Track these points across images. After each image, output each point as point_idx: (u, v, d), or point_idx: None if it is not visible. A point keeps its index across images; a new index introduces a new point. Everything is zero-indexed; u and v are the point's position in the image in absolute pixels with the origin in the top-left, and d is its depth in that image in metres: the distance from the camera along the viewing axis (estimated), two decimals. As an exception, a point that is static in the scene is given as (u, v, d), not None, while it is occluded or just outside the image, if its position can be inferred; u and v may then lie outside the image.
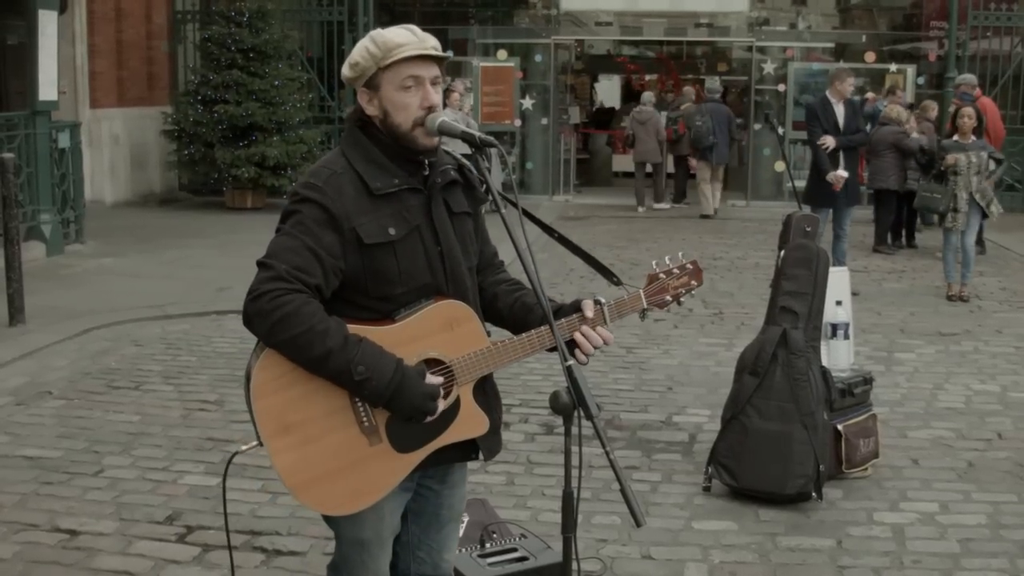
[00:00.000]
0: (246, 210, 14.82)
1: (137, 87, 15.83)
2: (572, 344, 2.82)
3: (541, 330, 2.78)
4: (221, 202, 15.31)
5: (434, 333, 2.73)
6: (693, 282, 2.99)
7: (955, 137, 10.16)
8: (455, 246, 2.82)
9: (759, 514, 4.98)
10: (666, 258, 3.00)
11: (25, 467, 5.46)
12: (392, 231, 2.71)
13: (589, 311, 2.83)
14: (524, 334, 2.80)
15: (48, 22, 11.03)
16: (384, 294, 2.73)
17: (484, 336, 2.80)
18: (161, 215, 14.61)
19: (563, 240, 3.06)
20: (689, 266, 2.99)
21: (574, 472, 2.61)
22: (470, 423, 2.81)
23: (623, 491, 2.48)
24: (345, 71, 2.80)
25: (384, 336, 2.67)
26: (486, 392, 2.87)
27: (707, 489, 5.24)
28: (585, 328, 2.83)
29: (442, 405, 2.72)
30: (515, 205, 2.65)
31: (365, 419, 2.68)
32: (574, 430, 2.61)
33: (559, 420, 2.63)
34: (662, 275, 2.97)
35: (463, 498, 3.07)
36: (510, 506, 5.00)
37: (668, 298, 2.96)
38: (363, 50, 2.74)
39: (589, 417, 2.53)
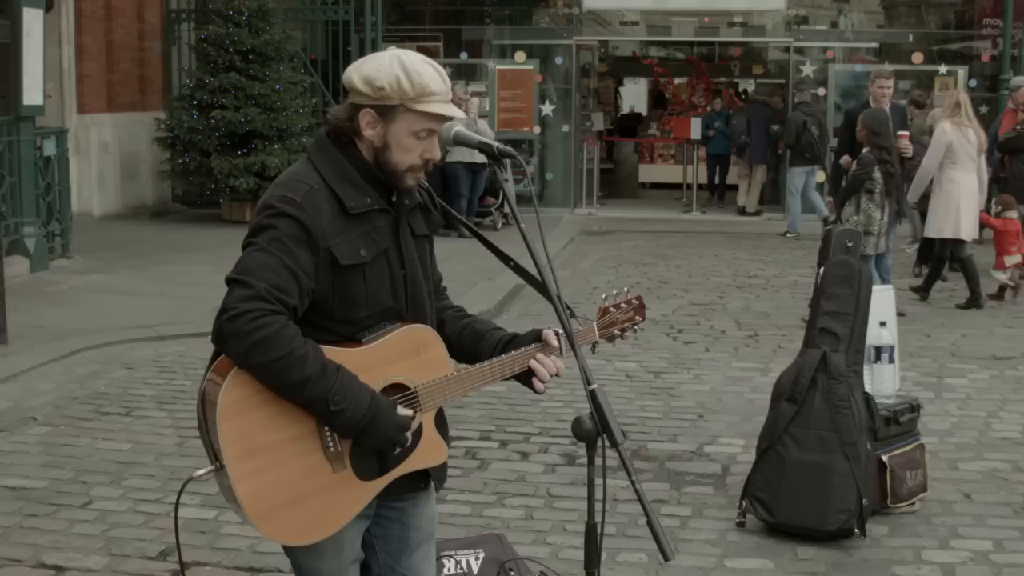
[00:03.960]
0: (244, 223, 14.82)
1: (128, 91, 15.95)
2: (529, 373, 2.97)
3: (502, 358, 2.94)
4: (218, 215, 15.39)
5: (402, 358, 2.83)
6: (637, 317, 3.27)
7: None
8: (418, 270, 2.93)
9: (797, 552, 4.98)
10: (614, 292, 3.27)
11: (8, 498, 5.50)
12: (363, 252, 2.79)
13: (553, 340, 3.00)
14: (488, 361, 2.94)
15: (33, 21, 11.13)
16: (348, 317, 2.81)
17: (448, 362, 2.92)
18: (153, 229, 14.71)
19: (519, 270, 3.11)
20: (635, 301, 3.27)
21: (597, 505, 2.64)
22: (431, 451, 2.92)
23: (650, 523, 2.51)
24: (359, 84, 2.76)
25: (353, 359, 2.75)
26: (437, 420, 2.97)
27: (741, 524, 5.25)
28: (540, 356, 2.98)
29: (413, 426, 2.80)
30: (458, 225, 2.73)
31: (331, 444, 2.74)
32: (598, 460, 2.64)
33: (581, 451, 2.67)
34: (612, 309, 3.23)
35: (432, 519, 3.13)
36: (528, 542, 5.01)
37: (616, 331, 3.23)
38: (394, 79, 2.73)
39: (614, 444, 2.56)
